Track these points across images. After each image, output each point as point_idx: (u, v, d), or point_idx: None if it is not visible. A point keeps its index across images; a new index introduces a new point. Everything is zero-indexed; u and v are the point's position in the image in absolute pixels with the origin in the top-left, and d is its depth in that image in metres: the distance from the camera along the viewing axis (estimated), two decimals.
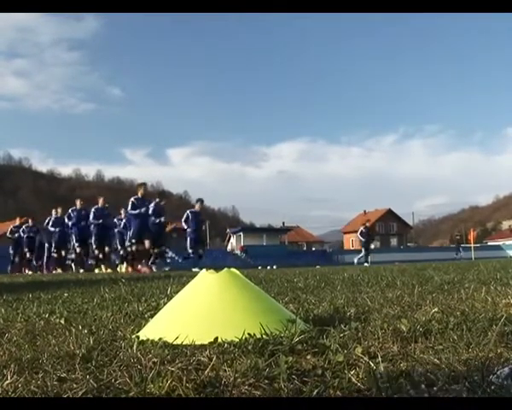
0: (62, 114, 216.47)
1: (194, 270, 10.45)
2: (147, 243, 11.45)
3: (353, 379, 0.91)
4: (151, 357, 1.13)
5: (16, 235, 16.16)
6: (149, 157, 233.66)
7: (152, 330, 1.44)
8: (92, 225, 13.24)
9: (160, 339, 1.33)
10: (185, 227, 13.22)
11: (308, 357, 1.11)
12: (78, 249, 13.67)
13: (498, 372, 0.91)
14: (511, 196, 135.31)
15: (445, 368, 0.98)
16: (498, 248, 41.91)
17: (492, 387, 0.85)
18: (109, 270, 12.75)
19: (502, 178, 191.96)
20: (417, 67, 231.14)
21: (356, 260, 19.05)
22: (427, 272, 5.48)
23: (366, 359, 1.05)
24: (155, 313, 1.69)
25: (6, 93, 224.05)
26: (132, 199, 11.72)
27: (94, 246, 13.33)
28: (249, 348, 1.19)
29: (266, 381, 0.92)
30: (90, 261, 13.98)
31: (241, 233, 43.39)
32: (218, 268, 1.70)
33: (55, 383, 0.96)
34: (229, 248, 43.47)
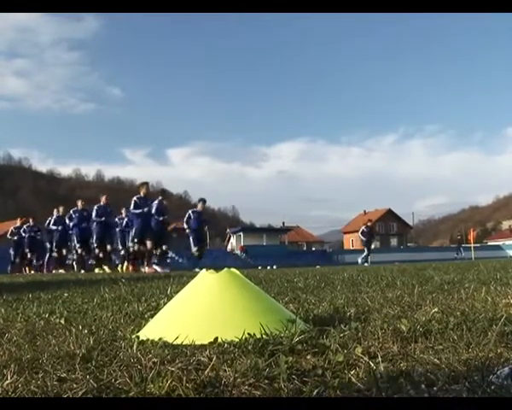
0: (62, 114, 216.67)
1: (195, 270, 10.39)
2: (149, 244, 11.40)
3: (353, 379, 0.91)
4: (151, 357, 1.13)
5: (16, 237, 16.15)
6: (149, 157, 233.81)
7: (152, 330, 1.44)
8: (94, 223, 13.15)
9: (159, 339, 1.33)
10: (185, 227, 13.16)
11: (308, 357, 1.11)
12: (79, 250, 13.62)
13: (498, 372, 0.91)
14: (511, 196, 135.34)
15: (445, 368, 0.98)
16: (498, 248, 41.91)
17: (492, 387, 0.85)
18: (109, 270, 12.73)
19: (502, 178, 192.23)
20: (417, 67, 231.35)
21: (360, 261, 18.89)
22: (427, 272, 5.48)
23: (366, 359, 1.05)
24: (155, 313, 1.69)
25: (6, 93, 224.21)
26: (135, 198, 11.62)
27: (95, 244, 13.24)
28: (249, 348, 1.19)
29: (266, 381, 0.92)
30: (91, 261, 13.94)
31: (241, 233, 43.38)
32: (218, 268, 1.70)
33: (55, 383, 0.96)
34: (229, 248, 43.47)
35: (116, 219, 14.21)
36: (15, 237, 16.13)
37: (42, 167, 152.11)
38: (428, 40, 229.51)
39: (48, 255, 15.21)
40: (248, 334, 1.28)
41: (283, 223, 67.14)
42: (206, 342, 1.28)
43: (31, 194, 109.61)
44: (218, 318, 1.41)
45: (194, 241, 13.12)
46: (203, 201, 13.52)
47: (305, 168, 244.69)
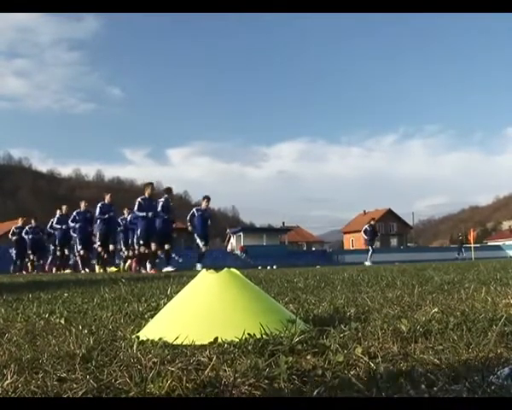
0: (62, 114, 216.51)
1: (197, 268, 10.32)
2: (153, 246, 11.36)
3: (353, 379, 0.91)
4: (151, 357, 1.13)
5: (17, 237, 16.13)
6: (149, 157, 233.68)
7: (152, 331, 1.44)
8: (98, 221, 13.05)
9: (159, 339, 1.33)
10: (188, 224, 13.07)
11: (308, 357, 1.11)
12: (81, 252, 13.57)
13: (498, 373, 0.92)
14: (511, 196, 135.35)
15: (445, 368, 0.98)
16: (498, 248, 41.90)
17: (492, 387, 0.85)
18: (113, 268, 12.69)
19: (502, 178, 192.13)
20: (417, 67, 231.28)
21: (369, 262, 18.16)
22: (427, 272, 5.48)
23: (366, 359, 1.05)
24: (155, 313, 1.69)
25: (6, 93, 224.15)
26: (139, 199, 11.49)
27: (98, 242, 13.16)
28: (249, 348, 1.19)
29: (266, 381, 0.92)
30: (94, 261, 13.90)
31: (241, 233, 43.37)
32: (218, 268, 1.70)
33: (55, 383, 0.96)
34: (229, 248, 43.43)
35: (118, 220, 14.14)
36: (16, 237, 16.11)
37: (42, 167, 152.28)
38: (428, 40, 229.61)
39: (52, 256, 15.17)
40: (248, 334, 1.28)
41: (283, 223, 67.17)
42: (206, 342, 1.28)
43: (31, 194, 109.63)
44: (218, 318, 1.41)
45: (200, 239, 12.98)
46: (207, 198, 13.26)
47: (305, 168, 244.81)
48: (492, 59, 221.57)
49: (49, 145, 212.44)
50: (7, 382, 0.95)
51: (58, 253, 14.59)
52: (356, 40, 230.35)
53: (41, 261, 15.81)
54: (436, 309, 1.75)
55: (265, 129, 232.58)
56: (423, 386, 0.87)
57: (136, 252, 11.81)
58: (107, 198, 13.29)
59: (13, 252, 16.60)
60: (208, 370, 1.01)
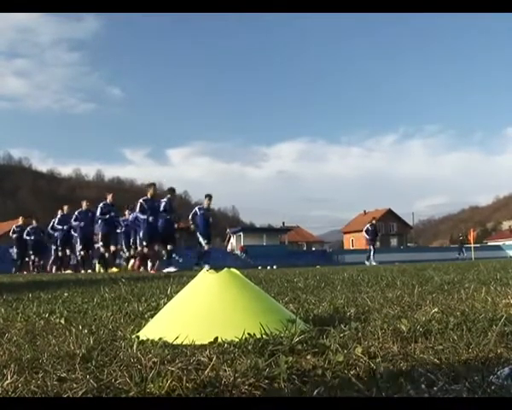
0: (62, 114, 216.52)
1: (205, 267, 10.22)
2: (156, 247, 11.32)
3: (353, 379, 0.91)
4: (151, 357, 1.13)
5: (15, 235, 16.14)
6: (149, 157, 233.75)
7: (152, 330, 1.44)
8: (99, 221, 12.98)
9: (160, 339, 1.33)
10: (191, 223, 13.02)
11: (308, 357, 1.11)
12: (82, 253, 13.54)
13: (498, 373, 0.92)
14: (511, 196, 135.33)
15: (445, 368, 0.98)
16: (498, 248, 41.88)
17: (492, 387, 0.85)
18: (113, 269, 12.68)
19: (502, 178, 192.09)
20: (417, 67, 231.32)
21: (373, 262, 18.19)
22: (427, 272, 5.48)
23: (366, 359, 1.05)
24: (155, 313, 1.69)
25: (6, 93, 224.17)
26: (141, 200, 11.42)
27: (100, 243, 13.10)
28: (249, 348, 1.19)
29: (266, 381, 0.92)
30: (95, 261, 13.87)
31: (241, 233, 43.35)
32: (218, 268, 1.70)
33: (55, 383, 0.96)
34: (229, 248, 43.39)
35: (120, 220, 14.08)
36: (16, 235, 16.10)
37: (42, 167, 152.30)
38: (428, 40, 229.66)
39: (53, 256, 15.16)
40: (248, 334, 1.28)
41: (283, 223, 67.14)
42: (206, 342, 1.28)
43: (31, 194, 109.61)
44: (218, 318, 1.41)
45: (203, 237, 12.89)
46: (209, 197, 13.16)
47: (305, 168, 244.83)
48: (492, 59, 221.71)
49: (49, 145, 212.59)
50: (7, 382, 0.95)
51: (60, 253, 14.57)
52: (356, 40, 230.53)
53: (41, 262, 15.80)
54: (436, 309, 1.75)
55: (265, 129, 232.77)
56: (423, 386, 0.87)
57: (139, 252, 11.79)
58: (109, 198, 13.17)
59: (13, 252, 16.59)
60: (208, 370, 1.01)
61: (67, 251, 14.58)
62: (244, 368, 0.99)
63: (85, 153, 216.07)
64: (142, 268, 11.57)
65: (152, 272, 10.65)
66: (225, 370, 1.01)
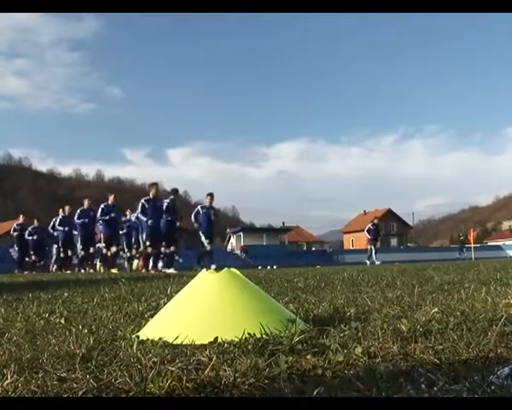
0: (62, 114, 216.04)
1: (212, 267, 10.14)
2: (158, 246, 11.29)
3: (353, 379, 0.91)
4: (151, 357, 1.13)
5: (16, 233, 16.13)
6: (149, 157, 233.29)
7: (152, 330, 1.44)
8: (100, 222, 12.92)
9: (159, 339, 1.33)
10: (194, 222, 12.97)
11: (308, 357, 1.11)
12: (82, 252, 13.51)
13: (498, 372, 0.92)
14: (511, 196, 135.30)
15: (445, 368, 0.98)
16: (498, 248, 41.88)
17: (492, 387, 0.85)
18: (114, 270, 12.67)
19: (502, 178, 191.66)
20: (417, 67, 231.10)
21: (376, 261, 17.94)
22: (427, 272, 5.48)
23: (366, 359, 1.05)
24: (155, 313, 1.69)
25: (6, 93, 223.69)
26: (143, 201, 11.32)
27: (103, 244, 13.05)
28: (249, 347, 1.19)
29: (266, 381, 0.92)
30: (95, 260, 13.85)
31: (241, 233, 43.36)
32: (218, 268, 1.70)
33: (55, 382, 0.96)
34: (229, 248, 43.41)
35: (122, 219, 14.04)
36: (17, 233, 16.09)
37: (42, 167, 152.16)
38: (428, 40, 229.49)
39: (55, 256, 15.15)
40: (248, 334, 1.29)
41: (283, 223, 67.11)
42: (206, 342, 1.29)
43: (31, 194, 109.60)
44: (218, 318, 1.41)
45: (205, 237, 12.82)
46: (211, 195, 13.01)
47: (305, 168, 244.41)
48: (492, 59, 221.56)
49: (49, 145, 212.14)
50: (7, 382, 0.95)
51: (62, 254, 14.55)
52: (356, 40, 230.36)
53: (42, 262, 15.80)
54: (436, 309, 1.75)
55: (265, 129, 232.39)
56: (423, 386, 0.87)
57: (142, 252, 11.77)
58: (111, 199, 13.05)
59: (14, 251, 16.58)
60: (208, 370, 1.01)
61: (69, 252, 14.56)
62: (244, 368, 0.99)
63: (85, 153, 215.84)
64: (144, 269, 11.55)
65: (152, 271, 10.64)
66: (225, 370, 1.01)
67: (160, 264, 11.40)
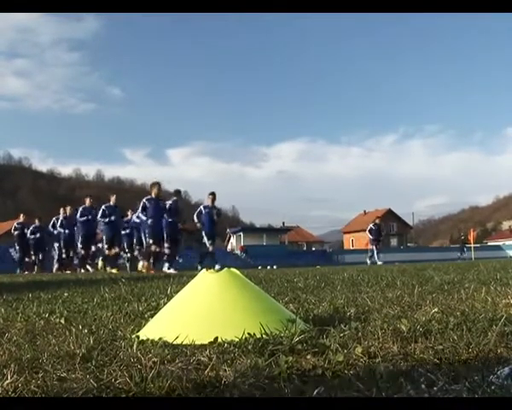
0: (62, 114, 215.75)
1: (217, 267, 10.09)
2: (160, 247, 11.27)
3: (353, 379, 0.91)
4: (151, 357, 1.13)
5: (16, 232, 16.13)
6: (149, 157, 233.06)
7: (152, 330, 1.44)
8: (102, 223, 12.90)
9: (159, 339, 1.33)
10: (196, 222, 12.94)
11: (308, 357, 1.11)
12: (82, 251, 13.49)
13: (498, 372, 0.92)
14: (511, 196, 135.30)
15: (445, 368, 0.98)
16: (498, 248, 41.89)
17: (492, 387, 0.85)
18: (114, 270, 12.65)
19: (502, 178, 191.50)
20: (417, 67, 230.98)
21: (379, 261, 17.66)
22: (427, 272, 5.48)
23: (366, 359, 1.05)
24: (155, 313, 1.69)
25: (6, 93, 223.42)
26: (144, 200, 11.24)
27: (105, 245, 13.01)
28: (249, 347, 1.19)
29: (266, 381, 0.92)
30: (96, 260, 13.82)
31: (241, 233, 43.36)
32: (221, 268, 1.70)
33: (55, 382, 0.96)
34: (229, 248, 43.40)
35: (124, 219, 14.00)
36: (18, 232, 16.08)
37: (42, 167, 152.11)
38: (428, 40, 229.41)
39: (57, 255, 15.14)
40: (248, 334, 1.29)
41: (283, 223, 67.10)
42: (206, 342, 1.29)
43: (31, 194, 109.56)
44: (218, 318, 1.41)
45: (208, 237, 12.74)
46: (213, 195, 12.91)
47: (305, 168, 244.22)
48: (492, 59, 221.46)
49: (49, 145, 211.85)
50: (7, 382, 0.95)
51: (64, 255, 14.54)
52: (356, 40, 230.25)
53: (42, 261, 15.80)
54: (436, 309, 1.75)
55: (265, 129, 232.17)
56: (423, 386, 0.87)
57: (144, 252, 11.74)
58: (113, 200, 12.96)
59: (14, 251, 16.57)
60: (208, 370, 1.01)
61: (71, 252, 14.54)
62: (244, 368, 0.99)
63: (85, 153, 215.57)
64: (152, 270, 11.53)
65: (152, 271, 10.63)
66: (225, 370, 1.01)
67: (166, 265, 11.37)
